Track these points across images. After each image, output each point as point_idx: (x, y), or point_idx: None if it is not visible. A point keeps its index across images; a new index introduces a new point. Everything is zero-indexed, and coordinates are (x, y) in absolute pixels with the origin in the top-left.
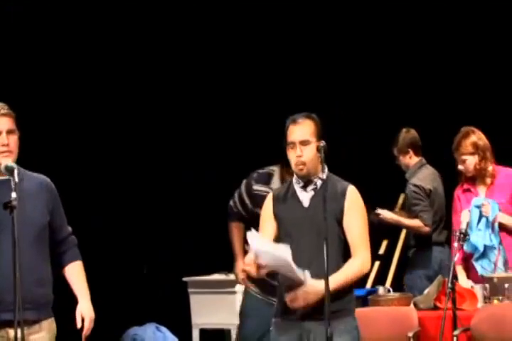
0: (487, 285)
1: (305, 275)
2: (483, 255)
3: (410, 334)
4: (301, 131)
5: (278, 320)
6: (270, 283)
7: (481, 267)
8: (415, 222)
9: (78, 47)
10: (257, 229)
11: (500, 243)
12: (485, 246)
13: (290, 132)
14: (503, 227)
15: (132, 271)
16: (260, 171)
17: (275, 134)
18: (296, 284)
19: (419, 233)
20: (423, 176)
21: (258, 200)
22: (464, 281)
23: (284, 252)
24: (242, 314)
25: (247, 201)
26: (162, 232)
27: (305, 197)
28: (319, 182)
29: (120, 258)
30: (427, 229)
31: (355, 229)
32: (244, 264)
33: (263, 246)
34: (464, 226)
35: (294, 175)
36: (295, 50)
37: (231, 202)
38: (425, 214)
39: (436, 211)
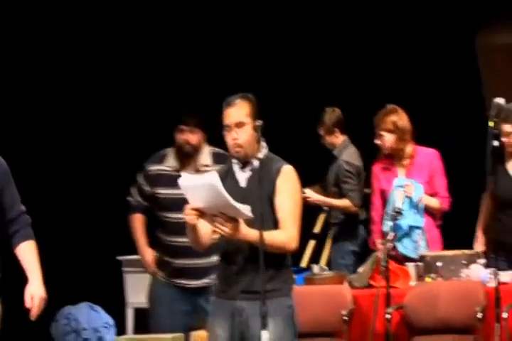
0: (420, 264)
1: (245, 208)
2: (406, 235)
3: (344, 313)
4: (236, 113)
5: (214, 298)
6: (174, 266)
7: (402, 247)
8: (344, 202)
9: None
10: (160, 210)
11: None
12: (409, 226)
13: (225, 115)
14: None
15: (66, 250)
16: (153, 155)
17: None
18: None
19: (347, 212)
20: (351, 154)
21: (155, 180)
22: None
23: (210, 178)
24: (151, 299)
25: (146, 186)
26: (96, 211)
27: (242, 177)
28: (256, 163)
29: (53, 237)
30: (355, 209)
31: (284, 207)
32: (185, 214)
33: (189, 181)
34: (399, 205)
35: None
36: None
37: (129, 197)
38: (354, 193)
39: (361, 190)
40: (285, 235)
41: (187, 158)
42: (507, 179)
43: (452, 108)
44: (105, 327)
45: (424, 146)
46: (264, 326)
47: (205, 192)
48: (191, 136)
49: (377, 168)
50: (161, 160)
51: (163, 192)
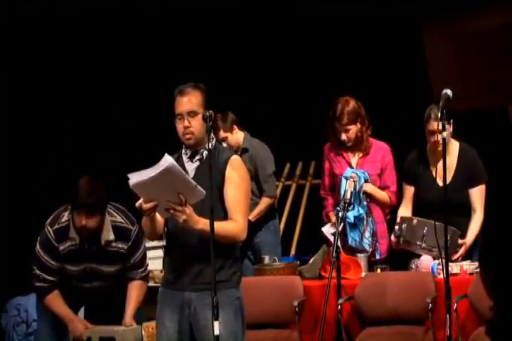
0: None
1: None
2: (355, 226)
3: (295, 303)
4: (189, 102)
5: (163, 289)
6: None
7: (351, 238)
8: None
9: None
10: (76, 283)
11: (368, 214)
12: (355, 217)
13: (177, 103)
14: (373, 200)
15: (15, 239)
16: (55, 228)
17: None
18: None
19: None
20: (262, 144)
21: (68, 256)
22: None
23: (166, 162)
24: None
25: (56, 264)
26: (41, 201)
27: (191, 167)
28: (205, 153)
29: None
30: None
31: (231, 197)
32: (143, 207)
33: (141, 177)
34: (348, 196)
35: (183, 146)
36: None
37: (38, 284)
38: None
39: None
40: (234, 225)
41: (88, 237)
42: (433, 185)
43: (401, 99)
44: None
45: (376, 139)
46: (216, 317)
47: (161, 179)
48: (89, 221)
49: (330, 151)
50: (66, 236)
51: (71, 268)
